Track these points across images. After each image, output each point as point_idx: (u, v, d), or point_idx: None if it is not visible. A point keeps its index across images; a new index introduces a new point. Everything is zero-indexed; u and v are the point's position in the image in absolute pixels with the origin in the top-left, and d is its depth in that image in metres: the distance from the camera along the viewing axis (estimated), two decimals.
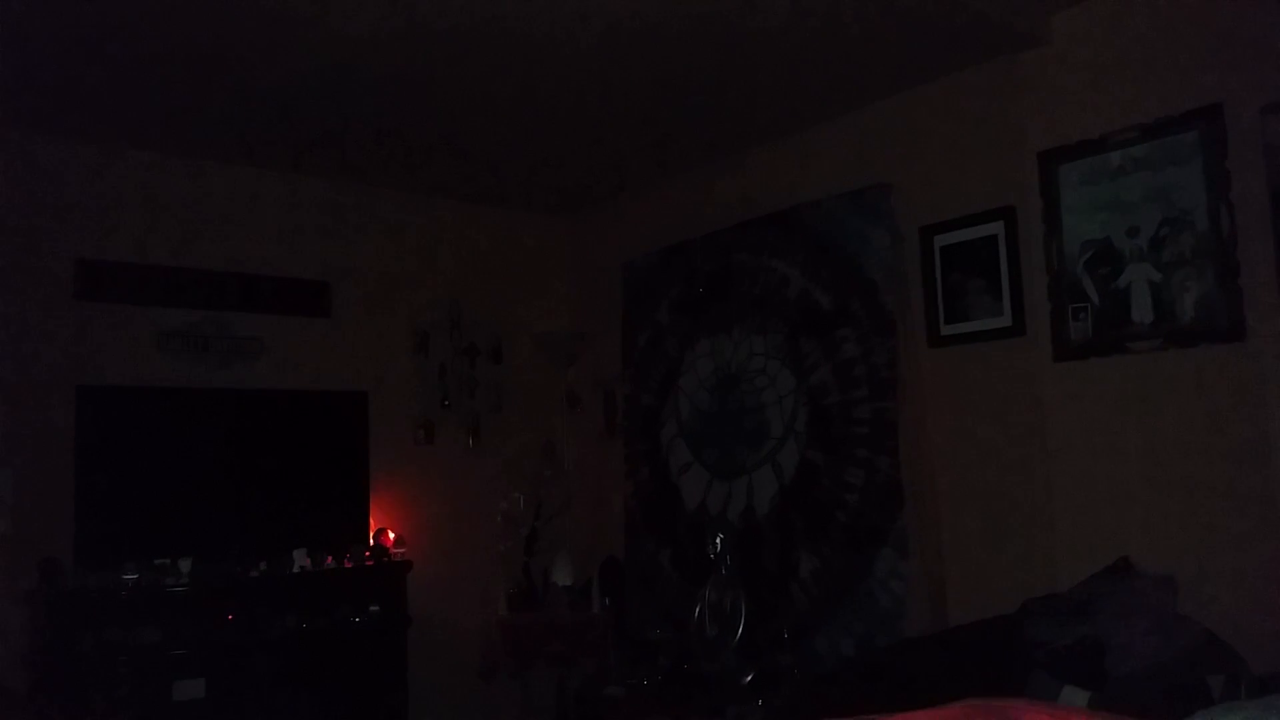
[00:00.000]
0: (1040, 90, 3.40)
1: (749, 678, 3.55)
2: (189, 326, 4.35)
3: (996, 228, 3.51)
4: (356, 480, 4.64)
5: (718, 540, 3.80)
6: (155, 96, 3.75)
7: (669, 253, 4.86)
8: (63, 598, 3.68)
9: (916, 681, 2.81)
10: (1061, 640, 2.78)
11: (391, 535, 4.61)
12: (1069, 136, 3.28)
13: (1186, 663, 2.57)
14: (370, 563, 4.47)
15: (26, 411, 3.92)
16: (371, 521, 4.65)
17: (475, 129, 4.20)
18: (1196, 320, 2.95)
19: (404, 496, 4.84)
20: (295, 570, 4.21)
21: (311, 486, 4.50)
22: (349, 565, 4.40)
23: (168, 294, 4.30)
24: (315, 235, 4.78)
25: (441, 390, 5.07)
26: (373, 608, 4.34)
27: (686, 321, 4.72)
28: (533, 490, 5.02)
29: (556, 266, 5.65)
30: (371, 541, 4.57)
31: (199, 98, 3.77)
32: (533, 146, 4.47)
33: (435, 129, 4.19)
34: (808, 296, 4.10)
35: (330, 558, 4.37)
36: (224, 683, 3.86)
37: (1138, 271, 3.09)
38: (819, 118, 4.15)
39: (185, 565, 3.93)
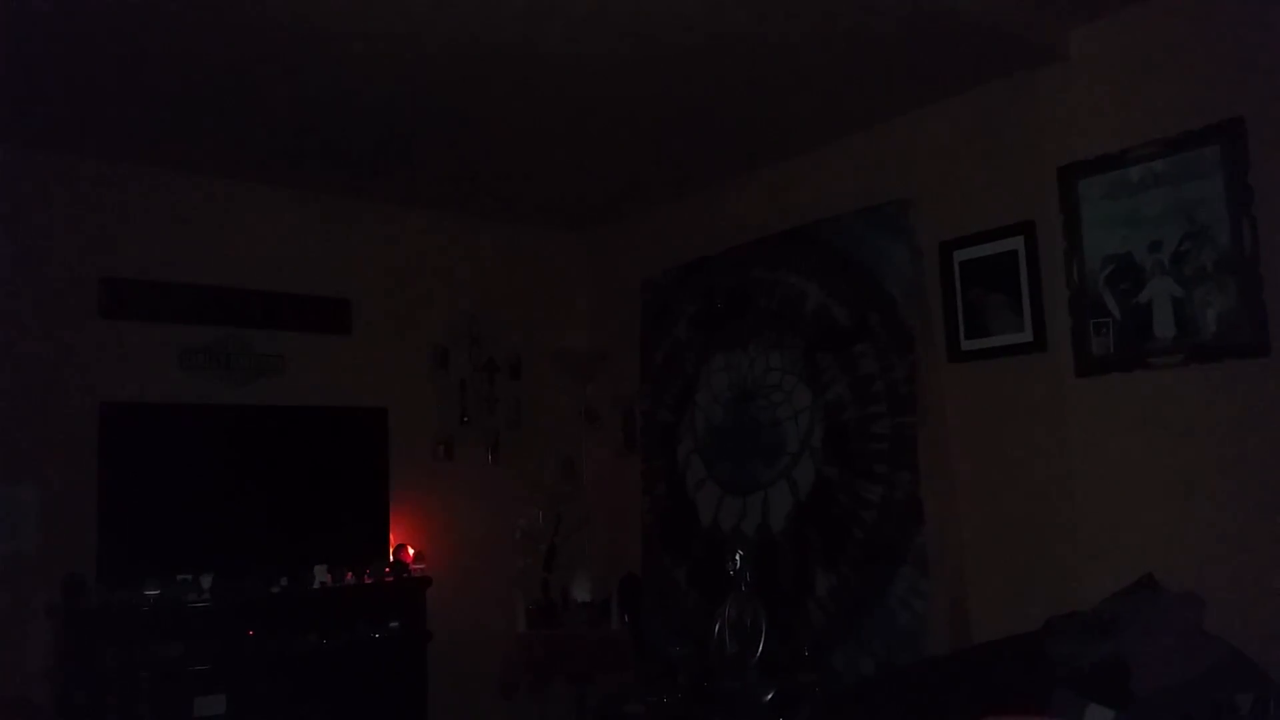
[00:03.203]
0: (1059, 105, 3.39)
1: (769, 696, 3.53)
2: (211, 344, 4.39)
3: (1016, 243, 3.50)
4: (376, 496, 4.66)
5: (737, 557, 3.78)
6: (178, 116, 3.79)
7: (687, 269, 4.87)
8: (85, 613, 3.70)
9: (938, 700, 2.78)
10: (1085, 658, 2.75)
11: (411, 551, 4.62)
12: (1089, 151, 3.27)
13: (1213, 681, 2.54)
14: (390, 579, 4.48)
15: (51, 428, 3.96)
16: (391, 537, 4.66)
17: (495, 147, 4.23)
18: (1219, 335, 2.93)
19: (424, 512, 4.85)
20: (316, 586, 4.23)
21: (332, 503, 4.52)
22: (369, 581, 4.42)
23: (190, 312, 4.34)
24: (336, 253, 4.82)
25: (461, 407, 5.09)
26: (392, 624, 4.35)
27: (703, 337, 4.72)
28: (552, 506, 5.02)
29: (575, 283, 5.67)
30: (391, 557, 4.59)
31: (222, 117, 3.81)
32: (552, 164, 4.50)
33: (455, 147, 4.21)
34: (825, 312, 4.09)
35: (350, 574, 4.39)
36: (245, 698, 3.87)
37: (1159, 286, 3.07)
38: (838, 133, 4.15)
39: (207, 581, 3.95)
